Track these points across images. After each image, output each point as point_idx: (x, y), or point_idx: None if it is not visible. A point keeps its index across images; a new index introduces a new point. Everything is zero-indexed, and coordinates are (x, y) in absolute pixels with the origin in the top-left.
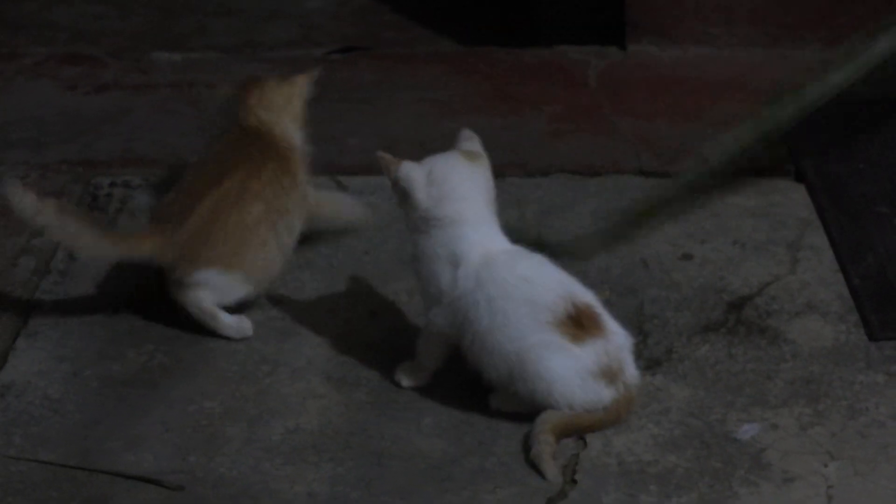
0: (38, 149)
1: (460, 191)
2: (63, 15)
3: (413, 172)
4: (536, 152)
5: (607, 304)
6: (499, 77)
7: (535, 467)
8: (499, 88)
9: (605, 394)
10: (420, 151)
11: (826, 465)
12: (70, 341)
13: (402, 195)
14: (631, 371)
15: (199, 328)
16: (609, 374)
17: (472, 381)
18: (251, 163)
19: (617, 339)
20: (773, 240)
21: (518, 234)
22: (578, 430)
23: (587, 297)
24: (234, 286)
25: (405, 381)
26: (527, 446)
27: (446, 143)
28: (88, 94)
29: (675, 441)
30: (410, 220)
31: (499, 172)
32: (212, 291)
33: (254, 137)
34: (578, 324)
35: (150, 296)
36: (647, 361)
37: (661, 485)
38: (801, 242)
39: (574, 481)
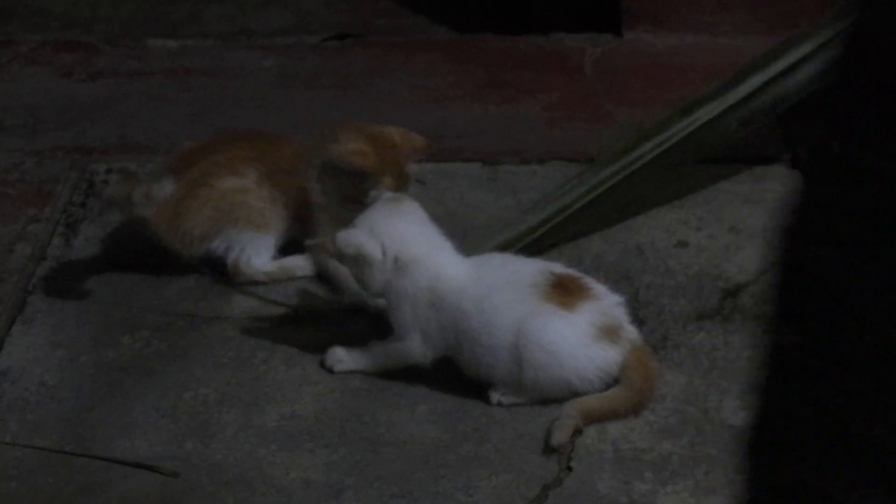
0: (33, 135)
1: (406, 230)
2: (55, 1)
3: (354, 237)
4: (532, 140)
5: None
6: (494, 64)
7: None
8: (494, 76)
9: (611, 355)
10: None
11: None
12: (66, 328)
13: (355, 263)
14: (629, 328)
15: (195, 315)
16: (610, 333)
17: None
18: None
19: (608, 298)
20: (768, 227)
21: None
22: (608, 414)
23: (566, 270)
24: None
25: (338, 367)
26: (522, 433)
27: (440, 130)
28: (83, 80)
29: (670, 428)
30: (372, 282)
31: (494, 160)
32: None
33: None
34: (565, 291)
35: (145, 281)
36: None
37: (656, 472)
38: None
39: (569, 468)
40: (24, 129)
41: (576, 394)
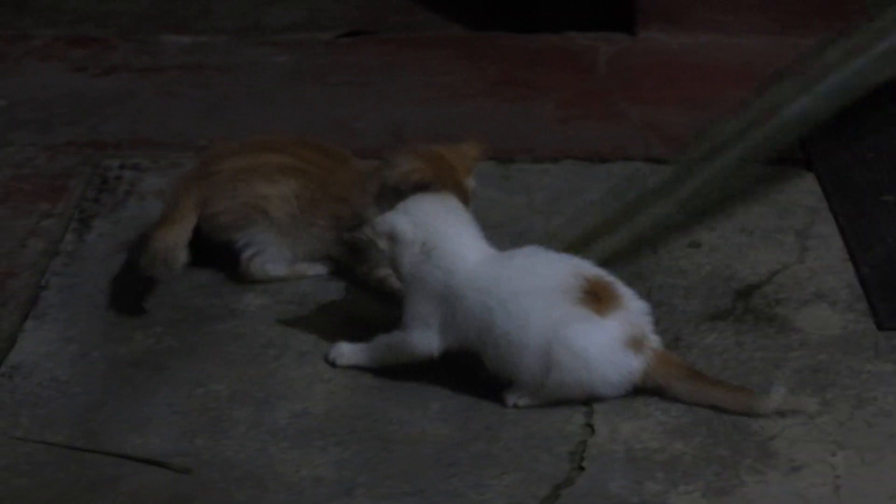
0: (46, 130)
1: (439, 220)
2: None
3: (389, 217)
4: (545, 138)
5: None
6: (507, 62)
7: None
8: (506, 74)
9: (634, 364)
10: (427, 136)
11: (833, 454)
12: (78, 323)
13: (388, 243)
14: (653, 336)
15: (207, 311)
16: (635, 343)
17: (479, 367)
18: None
19: (635, 306)
20: (781, 228)
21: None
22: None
23: (595, 270)
24: None
25: (340, 361)
26: (534, 432)
27: (454, 127)
28: (96, 75)
29: (682, 429)
30: (402, 265)
31: (507, 158)
32: None
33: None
34: (596, 297)
35: (157, 278)
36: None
37: (667, 472)
38: (809, 230)
39: (581, 468)
40: (38, 124)
41: (594, 398)
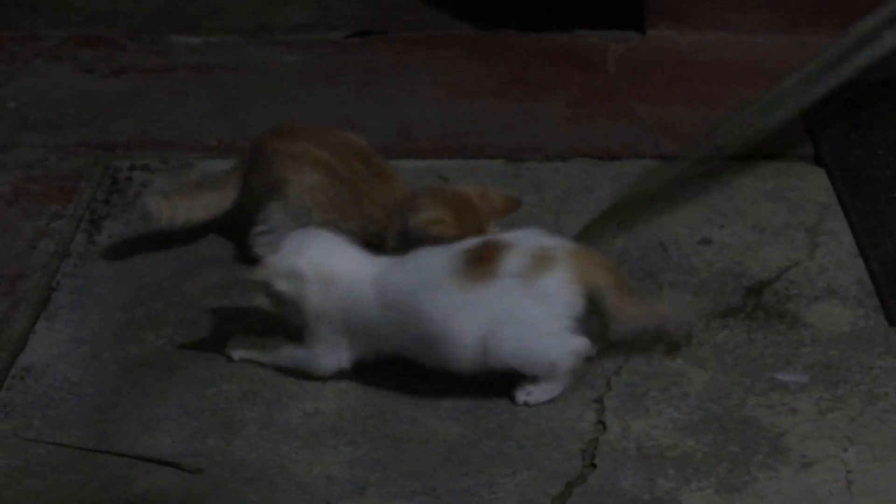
0: (57, 131)
1: (329, 248)
2: None
3: (293, 260)
4: (555, 137)
5: None
6: (516, 61)
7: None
8: (516, 72)
9: (554, 282)
10: (436, 135)
11: (845, 450)
12: (89, 324)
13: (293, 285)
14: (555, 241)
15: (217, 312)
16: (541, 262)
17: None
18: None
19: (522, 236)
20: (791, 224)
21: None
22: None
23: (475, 239)
24: None
25: (235, 355)
26: (545, 430)
27: (463, 126)
28: (106, 76)
29: (693, 425)
30: (308, 301)
31: (517, 157)
32: None
33: None
34: (483, 259)
35: (168, 278)
36: (666, 346)
37: (679, 469)
38: (820, 227)
39: (593, 465)
40: (48, 125)
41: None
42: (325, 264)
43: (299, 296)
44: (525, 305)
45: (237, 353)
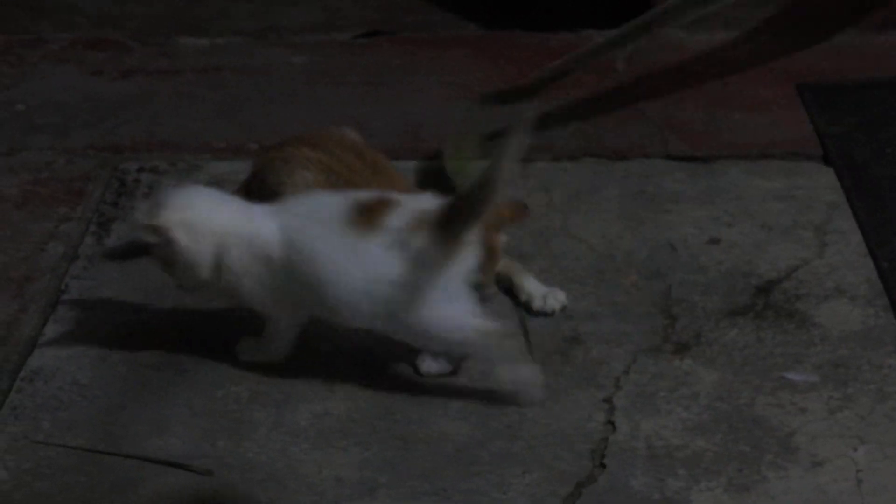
0: (64, 134)
1: (217, 201)
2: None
3: (181, 210)
4: (563, 136)
5: (634, 288)
6: (524, 61)
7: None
8: (524, 72)
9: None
10: (444, 135)
11: (855, 449)
12: (98, 326)
13: (188, 237)
14: (426, 199)
15: (226, 313)
16: (419, 225)
17: None
18: None
19: (412, 202)
20: (800, 223)
21: None
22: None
23: (370, 194)
24: None
25: (245, 356)
26: (554, 430)
27: (471, 126)
28: (113, 79)
29: (703, 425)
30: (203, 256)
31: (525, 157)
32: None
33: None
34: (374, 212)
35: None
36: (676, 346)
37: (689, 469)
38: (828, 226)
39: (603, 465)
40: (55, 128)
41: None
42: (218, 219)
43: (195, 252)
44: (398, 264)
45: (245, 355)
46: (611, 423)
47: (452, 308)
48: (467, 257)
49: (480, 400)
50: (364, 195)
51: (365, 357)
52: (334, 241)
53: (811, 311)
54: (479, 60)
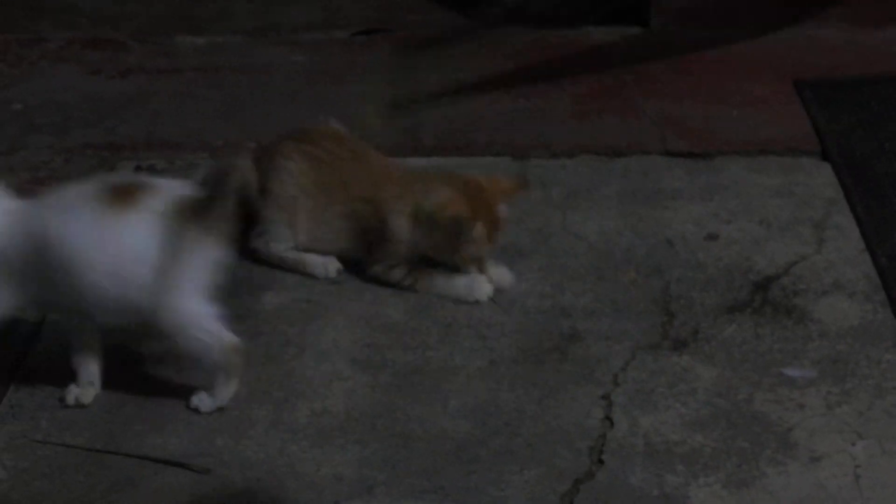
0: (63, 133)
1: None
2: None
3: None
4: (561, 133)
5: (633, 284)
6: (522, 58)
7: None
8: (523, 69)
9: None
10: (443, 132)
11: (853, 444)
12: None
13: None
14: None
15: (225, 311)
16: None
17: (498, 363)
18: None
19: (169, 187)
20: (798, 219)
21: None
22: None
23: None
24: None
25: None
26: (553, 427)
27: (470, 123)
28: (112, 78)
29: (701, 421)
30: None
31: (523, 153)
32: None
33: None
34: (128, 194)
35: None
36: (674, 342)
37: (688, 465)
38: (826, 222)
39: (601, 462)
40: (54, 127)
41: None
42: None
43: None
44: (148, 245)
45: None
46: (609, 419)
47: (198, 306)
48: (211, 250)
49: (479, 398)
50: (119, 179)
51: (363, 354)
52: (83, 221)
53: (809, 307)
54: (479, 57)
